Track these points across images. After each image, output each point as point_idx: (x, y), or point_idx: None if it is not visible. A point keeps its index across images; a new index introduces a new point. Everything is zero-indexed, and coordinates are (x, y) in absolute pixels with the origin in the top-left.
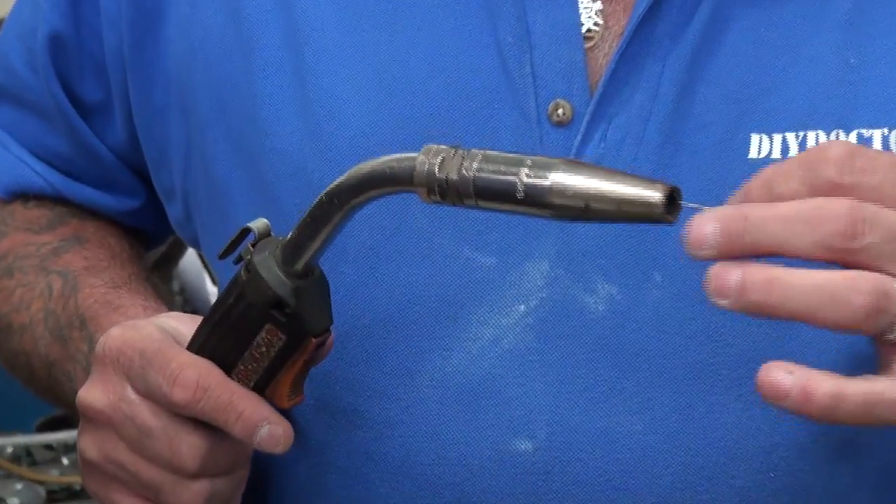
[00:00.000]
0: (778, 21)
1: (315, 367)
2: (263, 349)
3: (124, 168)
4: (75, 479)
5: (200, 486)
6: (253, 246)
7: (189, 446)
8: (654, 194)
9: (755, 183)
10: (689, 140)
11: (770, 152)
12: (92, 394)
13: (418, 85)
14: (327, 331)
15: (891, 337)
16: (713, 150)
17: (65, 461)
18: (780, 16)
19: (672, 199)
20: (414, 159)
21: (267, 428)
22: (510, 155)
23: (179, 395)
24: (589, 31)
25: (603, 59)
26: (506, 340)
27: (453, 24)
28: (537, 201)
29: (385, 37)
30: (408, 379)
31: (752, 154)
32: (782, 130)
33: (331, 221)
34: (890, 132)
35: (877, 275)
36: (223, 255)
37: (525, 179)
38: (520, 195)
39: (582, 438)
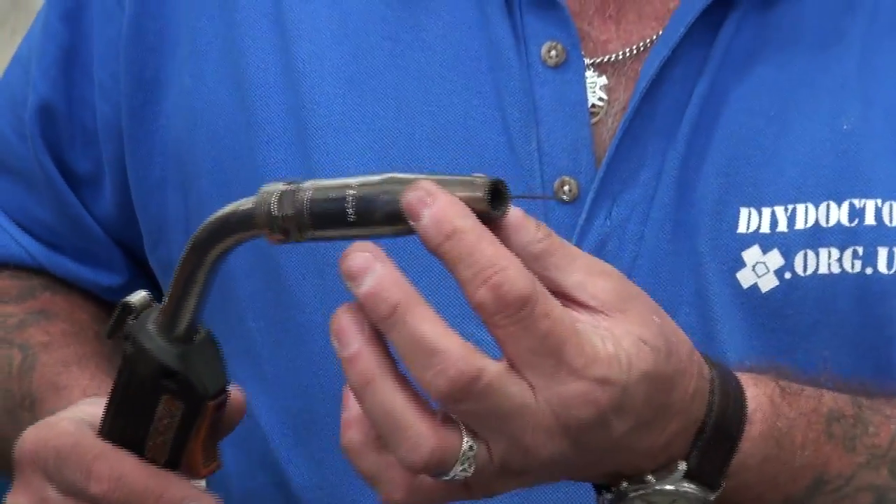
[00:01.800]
0: (770, 89)
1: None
2: (166, 421)
3: (111, 242)
4: None
5: None
6: (135, 319)
7: None
8: (476, 193)
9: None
10: (688, 216)
11: (759, 226)
12: (16, 500)
13: (423, 159)
14: (223, 391)
15: None
16: (706, 227)
17: None
18: (773, 83)
19: (498, 192)
20: (249, 200)
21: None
22: (338, 181)
23: (96, 488)
24: (593, 105)
25: (607, 135)
26: None
27: (459, 99)
28: (369, 219)
29: (390, 110)
30: None
31: (741, 228)
32: (771, 204)
33: (197, 278)
34: (884, 203)
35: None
36: (109, 335)
37: (353, 194)
38: (351, 217)
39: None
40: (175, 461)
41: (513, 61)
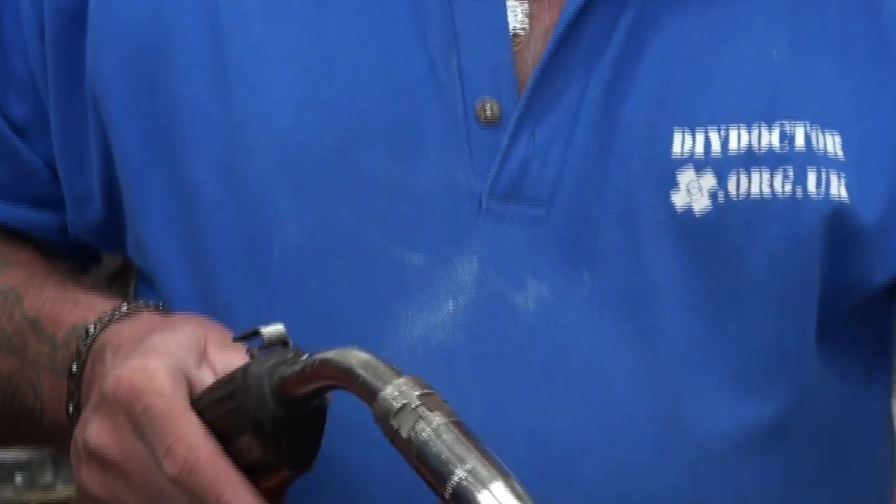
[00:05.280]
0: (703, 23)
1: None
2: (244, 451)
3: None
4: (29, 498)
5: None
6: (261, 349)
7: None
8: None
9: None
10: (616, 140)
11: (693, 148)
12: (103, 438)
13: (345, 85)
14: (306, 468)
15: None
16: (638, 149)
17: (18, 479)
18: (705, 18)
19: None
20: (385, 385)
21: None
22: (459, 445)
23: (169, 467)
24: (514, 29)
25: (530, 59)
26: (434, 339)
27: (380, 25)
28: None
29: (311, 37)
30: None
31: (675, 150)
32: (705, 126)
33: (319, 383)
34: (811, 128)
35: None
36: (235, 340)
37: (458, 479)
38: (448, 492)
39: (512, 437)
40: None
41: None
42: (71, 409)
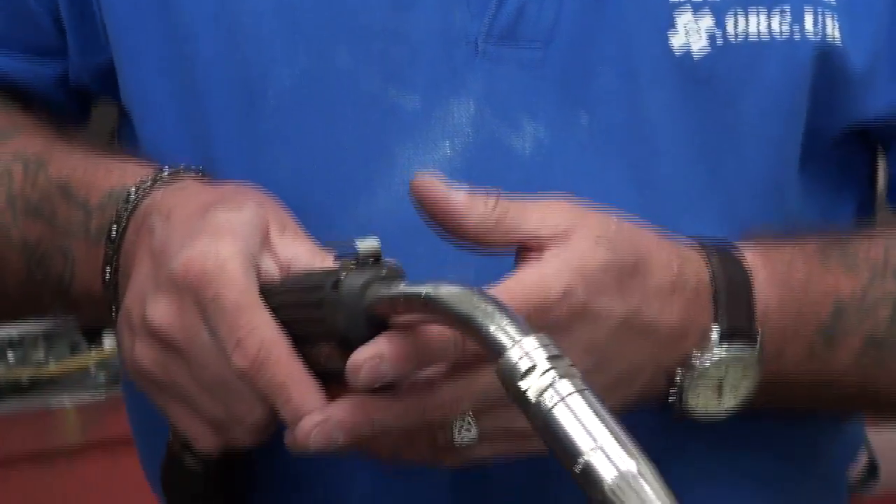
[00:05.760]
0: None
1: None
2: (320, 358)
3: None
4: (21, 374)
5: (269, 430)
6: (354, 264)
7: (264, 407)
8: None
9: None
10: None
11: None
12: (168, 319)
13: None
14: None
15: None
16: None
17: (10, 356)
18: None
19: None
20: (511, 342)
21: (305, 422)
22: (590, 419)
23: (239, 360)
24: None
25: None
26: None
27: None
28: (585, 487)
29: None
30: (334, 223)
31: None
32: None
33: (420, 316)
34: None
35: None
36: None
37: (588, 457)
38: (578, 467)
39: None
40: None
41: None
42: (108, 274)
